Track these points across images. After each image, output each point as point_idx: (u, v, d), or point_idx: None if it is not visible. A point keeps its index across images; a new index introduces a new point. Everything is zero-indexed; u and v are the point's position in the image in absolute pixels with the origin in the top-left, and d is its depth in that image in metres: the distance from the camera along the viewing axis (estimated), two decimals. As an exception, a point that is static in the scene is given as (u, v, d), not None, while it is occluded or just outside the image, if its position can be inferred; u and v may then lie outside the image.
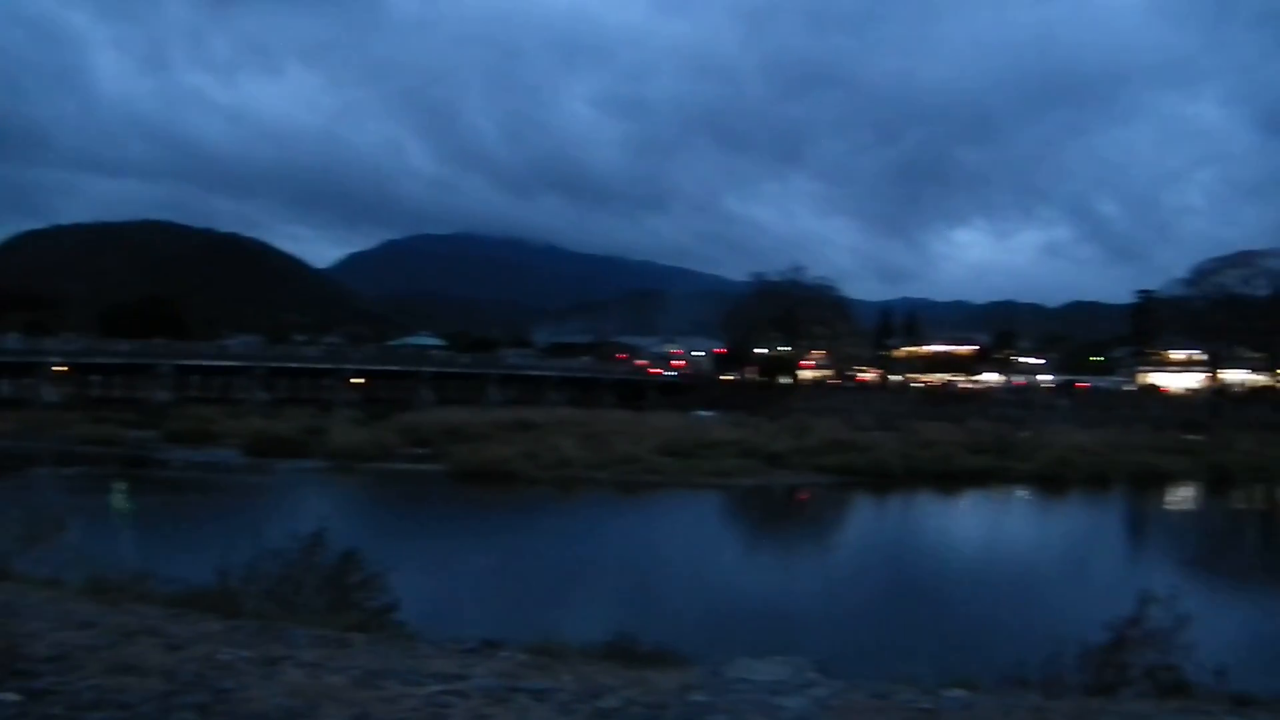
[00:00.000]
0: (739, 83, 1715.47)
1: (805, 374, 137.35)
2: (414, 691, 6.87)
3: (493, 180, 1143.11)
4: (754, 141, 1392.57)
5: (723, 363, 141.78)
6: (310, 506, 35.58)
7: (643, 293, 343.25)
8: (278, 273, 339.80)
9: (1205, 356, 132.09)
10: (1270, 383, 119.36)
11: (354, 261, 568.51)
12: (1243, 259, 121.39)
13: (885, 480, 49.81)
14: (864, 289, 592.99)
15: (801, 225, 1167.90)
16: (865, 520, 43.46)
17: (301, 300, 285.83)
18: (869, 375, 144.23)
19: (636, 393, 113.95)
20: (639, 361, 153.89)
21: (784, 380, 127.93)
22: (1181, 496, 50.36)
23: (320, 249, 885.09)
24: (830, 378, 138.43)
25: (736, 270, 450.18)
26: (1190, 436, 70.72)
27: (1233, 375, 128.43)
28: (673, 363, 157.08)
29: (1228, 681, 12.18)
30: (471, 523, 38.93)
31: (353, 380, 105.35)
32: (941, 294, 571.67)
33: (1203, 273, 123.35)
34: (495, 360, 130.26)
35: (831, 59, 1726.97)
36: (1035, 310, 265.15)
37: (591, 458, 50.91)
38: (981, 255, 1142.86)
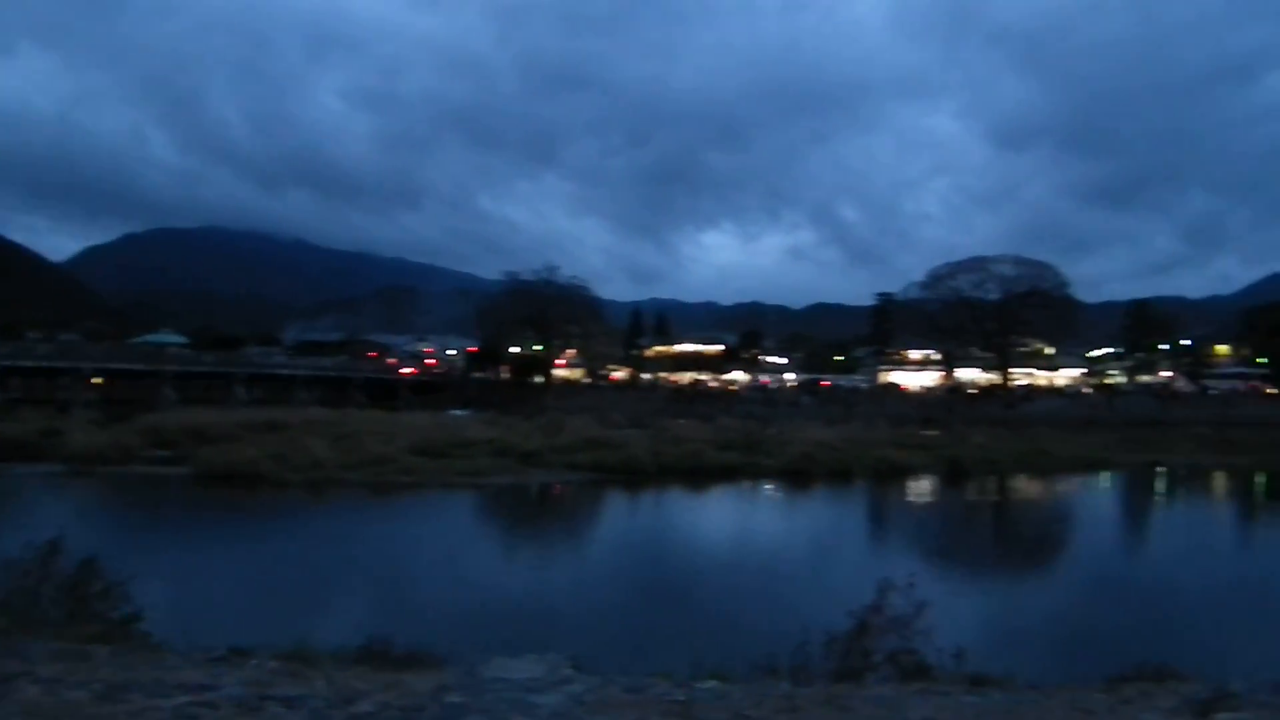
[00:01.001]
0: (492, 81, 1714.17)
1: (558, 373, 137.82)
2: (161, 704, 6.38)
3: (239, 173, 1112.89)
4: (507, 140, 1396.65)
5: (476, 361, 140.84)
6: (46, 513, 33.74)
7: (395, 290, 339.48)
8: (9, 265, 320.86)
9: (940, 356, 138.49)
10: (1000, 381, 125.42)
11: (92, 255, 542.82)
12: (975, 264, 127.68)
13: (637, 477, 50.06)
14: (616, 289, 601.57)
15: (554, 225, 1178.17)
16: (618, 517, 43.60)
17: (35, 295, 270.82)
18: (621, 374, 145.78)
19: (389, 392, 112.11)
20: (391, 360, 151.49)
21: (537, 379, 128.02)
22: (919, 489, 52.13)
23: (56, 241, 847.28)
24: (583, 377, 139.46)
25: (489, 269, 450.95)
26: (927, 432, 73.46)
27: (966, 374, 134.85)
28: (426, 361, 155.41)
29: (965, 663, 12.57)
30: (218, 527, 37.29)
31: (92, 380, 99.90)
32: (691, 295, 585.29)
33: (938, 277, 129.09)
34: (242, 359, 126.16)
35: (584, 60, 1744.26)
36: (781, 311, 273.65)
37: (343, 459, 49.38)
38: (729, 257, 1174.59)
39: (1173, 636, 20.15)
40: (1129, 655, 13.10)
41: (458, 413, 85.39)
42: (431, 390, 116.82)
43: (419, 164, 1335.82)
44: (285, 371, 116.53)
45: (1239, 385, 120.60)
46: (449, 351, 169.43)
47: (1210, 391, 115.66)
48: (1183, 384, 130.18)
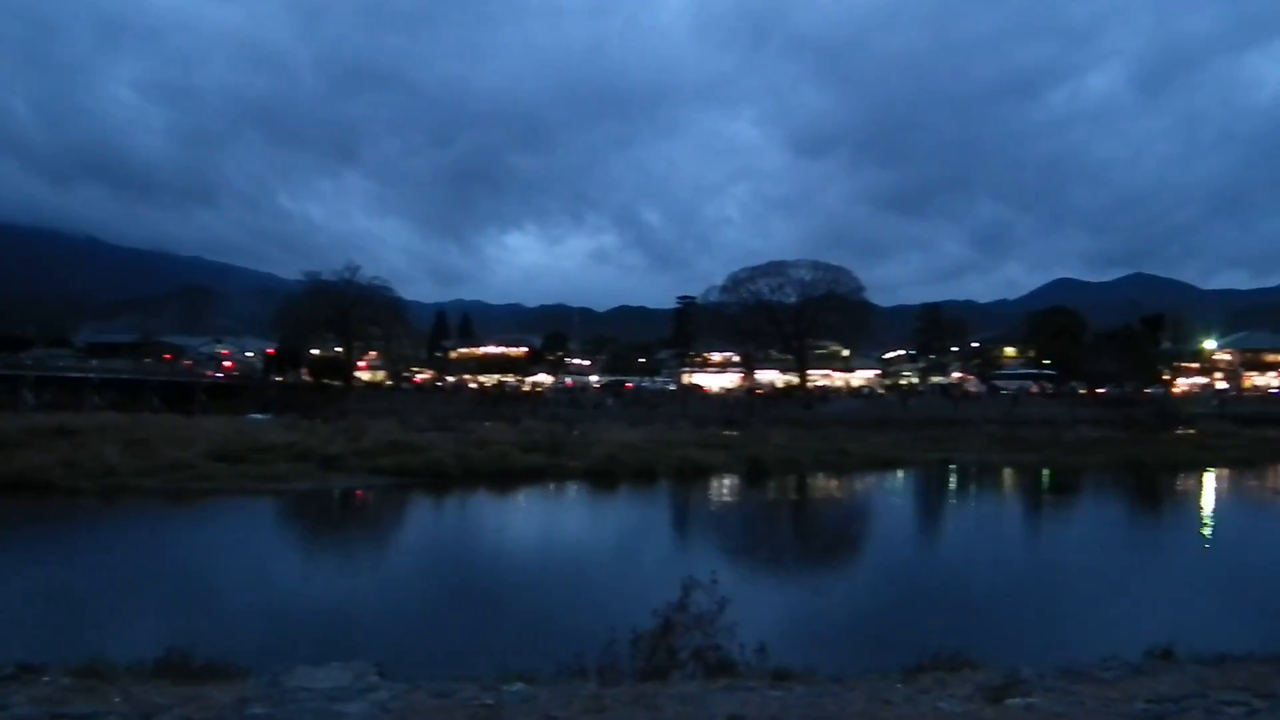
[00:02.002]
0: (292, 76, 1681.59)
1: (361, 376, 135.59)
2: (-60, 726, 6.20)
3: (25, 166, 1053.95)
4: (307, 137, 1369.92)
5: (275, 364, 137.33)
6: None
7: (192, 290, 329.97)
8: None
9: (741, 358, 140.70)
10: (798, 382, 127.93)
11: None
12: (774, 268, 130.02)
13: (442, 480, 49.53)
14: (419, 290, 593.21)
15: (356, 224, 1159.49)
16: (424, 521, 43.07)
17: None
18: (425, 376, 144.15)
19: (185, 395, 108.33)
20: (187, 362, 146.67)
21: (339, 382, 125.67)
22: (721, 488, 52.81)
23: None
24: (386, 379, 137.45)
25: (290, 268, 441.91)
26: (728, 432, 74.63)
27: (766, 376, 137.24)
28: (224, 364, 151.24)
29: (768, 658, 12.82)
30: (4, 539, 35.73)
31: None
32: (495, 297, 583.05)
33: (737, 281, 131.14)
34: (28, 361, 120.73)
35: (386, 58, 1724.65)
36: (585, 314, 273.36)
37: (138, 465, 47.51)
38: (534, 259, 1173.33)
39: (967, 626, 20.80)
40: (925, 645, 13.47)
41: (257, 417, 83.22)
42: (230, 394, 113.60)
43: (217, 160, 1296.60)
44: (76, 374, 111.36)
45: (1029, 386, 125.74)
46: (247, 353, 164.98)
47: (1002, 392, 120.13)
48: (974, 385, 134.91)
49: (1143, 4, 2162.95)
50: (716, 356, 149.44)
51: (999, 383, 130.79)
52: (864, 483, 56.83)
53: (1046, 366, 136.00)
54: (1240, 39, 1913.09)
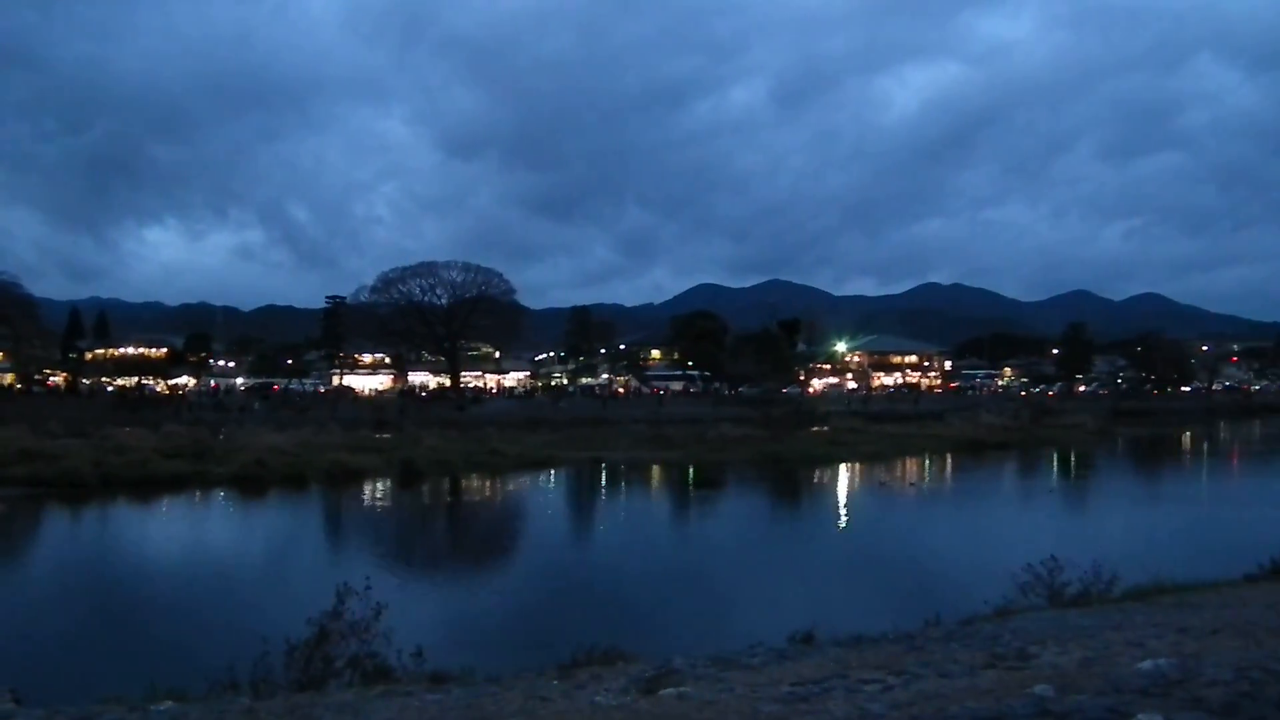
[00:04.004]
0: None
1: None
2: None
3: None
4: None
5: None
6: None
7: None
8: None
9: (392, 359, 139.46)
10: (451, 383, 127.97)
11: None
12: (425, 269, 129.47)
13: (79, 490, 46.78)
14: (50, 287, 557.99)
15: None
16: (60, 535, 40.54)
17: None
18: (58, 379, 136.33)
19: None
20: None
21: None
22: (375, 492, 52.24)
23: None
24: (15, 382, 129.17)
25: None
26: (381, 435, 73.84)
27: (418, 377, 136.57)
28: None
29: (425, 662, 12.81)
30: None
31: None
32: (134, 294, 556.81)
33: (388, 281, 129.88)
34: None
35: (15, 35, 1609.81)
36: (230, 313, 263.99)
37: None
38: (175, 255, 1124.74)
39: (620, 621, 21.35)
40: (581, 642, 13.71)
41: None
42: None
43: None
44: None
45: (681, 386, 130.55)
46: None
47: (661, 392, 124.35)
48: (633, 385, 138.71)
49: (784, 24, 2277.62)
50: (367, 358, 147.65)
51: (657, 383, 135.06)
52: (517, 483, 57.36)
53: (690, 368, 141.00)
54: (873, 62, 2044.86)
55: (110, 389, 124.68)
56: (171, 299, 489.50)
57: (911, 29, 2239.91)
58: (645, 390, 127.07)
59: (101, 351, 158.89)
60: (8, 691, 9.04)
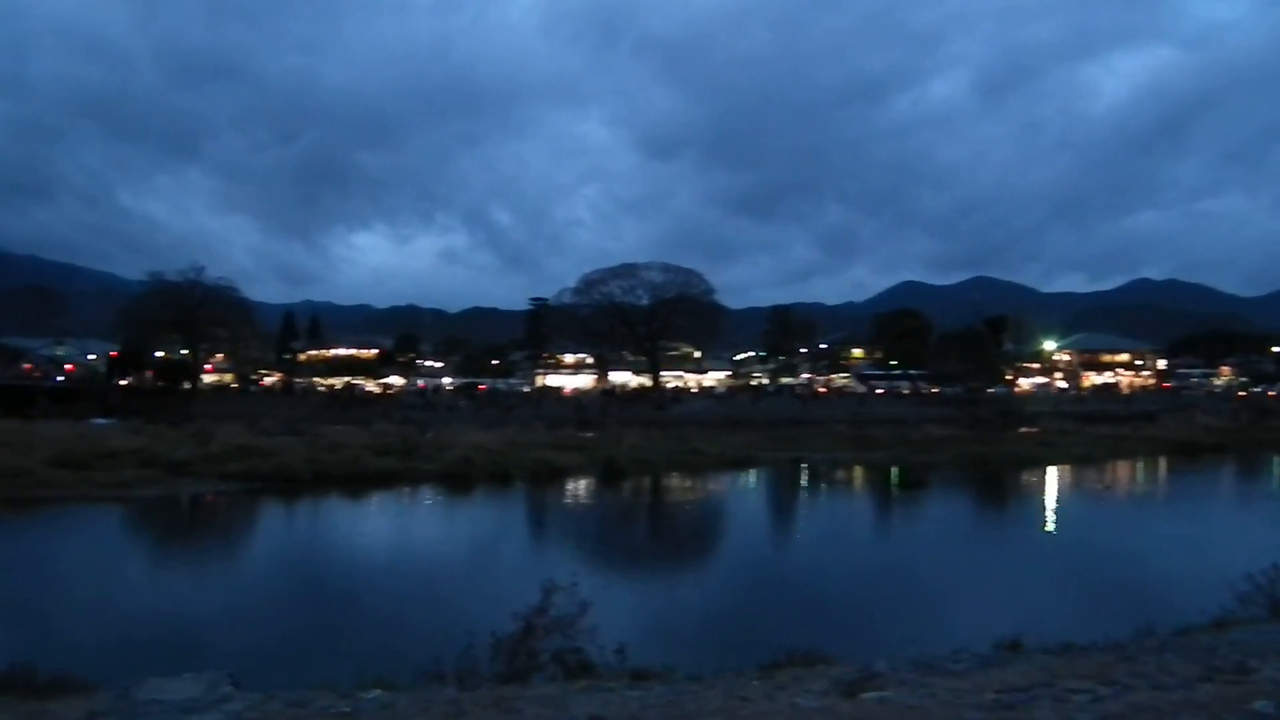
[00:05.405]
0: (129, 68, 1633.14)
1: (207, 378, 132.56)
2: None
3: None
4: (147, 132, 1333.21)
5: (118, 367, 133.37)
6: None
7: (30, 290, 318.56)
8: None
9: (594, 360, 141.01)
10: (651, 383, 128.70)
11: None
12: (625, 270, 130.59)
13: (293, 485, 48.45)
14: (266, 291, 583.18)
15: (199, 222, 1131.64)
16: (275, 527, 42.14)
17: None
18: (273, 379, 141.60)
19: (25, 399, 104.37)
20: (26, 366, 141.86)
21: (184, 385, 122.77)
22: (577, 490, 52.75)
23: None
24: (233, 382, 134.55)
25: (132, 268, 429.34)
26: (583, 434, 74.62)
27: (619, 377, 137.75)
28: (67, 366, 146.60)
29: (627, 659, 12.88)
30: None
31: None
32: (345, 297, 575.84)
33: (590, 282, 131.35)
34: None
35: (228, 50, 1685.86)
36: (437, 315, 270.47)
37: (-27, 473, 45.96)
38: (383, 259, 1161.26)
39: (821, 623, 21.12)
40: (781, 643, 13.64)
41: (100, 421, 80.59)
42: (71, 398, 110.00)
43: (52, 154, 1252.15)
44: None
45: (902, 386, 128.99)
46: (90, 356, 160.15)
47: (878, 392, 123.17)
48: (855, 385, 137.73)
49: (984, 13, 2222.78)
50: (570, 358, 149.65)
51: (874, 383, 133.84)
52: (718, 482, 57.27)
53: (893, 367, 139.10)
54: (1078, 49, 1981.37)
55: (322, 389, 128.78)
56: (380, 301, 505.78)
57: (1119, 13, 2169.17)
58: (862, 390, 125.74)
59: (314, 352, 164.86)
60: (226, 676, 9.37)
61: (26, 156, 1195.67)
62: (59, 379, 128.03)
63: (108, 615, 23.95)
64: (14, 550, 33.58)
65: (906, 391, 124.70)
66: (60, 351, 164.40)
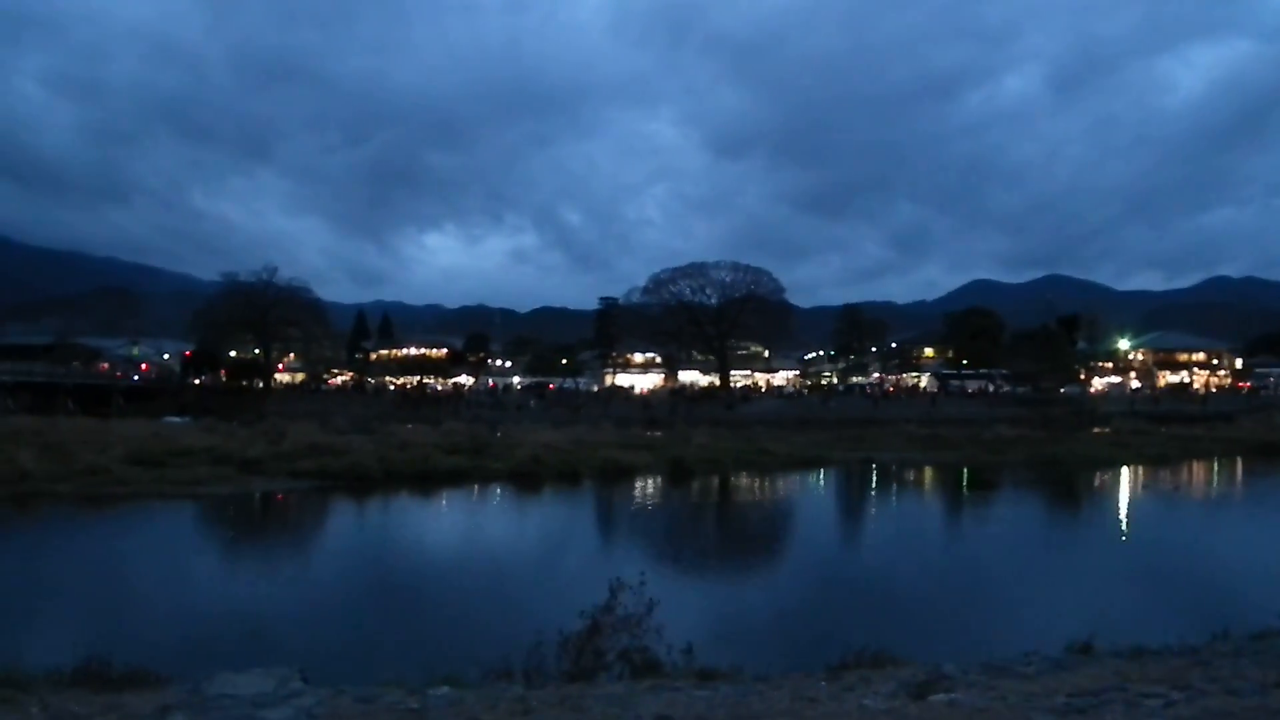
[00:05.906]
0: (203, 71, 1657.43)
1: (279, 377, 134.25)
2: None
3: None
4: (220, 134, 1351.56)
5: (192, 366, 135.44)
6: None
7: (107, 291, 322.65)
8: None
9: (663, 359, 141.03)
10: (720, 382, 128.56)
11: None
12: (694, 270, 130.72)
13: (363, 483, 48.91)
14: (338, 291, 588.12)
15: (272, 224, 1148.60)
16: (346, 524, 42.49)
17: None
18: (344, 378, 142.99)
19: (102, 398, 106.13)
20: (103, 365, 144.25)
21: (257, 384, 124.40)
22: (645, 489, 52.77)
23: None
24: (305, 381, 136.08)
25: (206, 269, 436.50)
26: (651, 433, 74.73)
27: (687, 376, 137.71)
28: (141, 366, 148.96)
29: (694, 658, 12.87)
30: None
31: None
32: (415, 297, 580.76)
33: (659, 282, 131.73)
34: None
35: (299, 53, 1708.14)
36: (506, 314, 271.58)
37: (52, 470, 46.16)
38: (453, 259, 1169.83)
39: (889, 624, 20.95)
40: (849, 644, 13.57)
41: (174, 420, 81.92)
42: (147, 396, 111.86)
43: (128, 158, 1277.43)
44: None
45: (986, 386, 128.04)
46: (165, 356, 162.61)
47: (970, 392, 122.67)
48: (931, 385, 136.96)
49: (1057, 7, 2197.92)
50: (639, 357, 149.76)
51: (955, 383, 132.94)
52: (786, 482, 57.10)
53: (965, 366, 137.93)
54: (1153, 44, 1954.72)
55: (393, 387, 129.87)
56: (451, 301, 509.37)
57: (1196, 5, 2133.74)
58: (945, 392, 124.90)
59: (385, 352, 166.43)
60: (296, 671, 9.48)
61: (104, 161, 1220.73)
62: (135, 378, 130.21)
63: (180, 611, 24.24)
64: (91, 547, 34.16)
65: (972, 391, 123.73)
66: (136, 351, 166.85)
